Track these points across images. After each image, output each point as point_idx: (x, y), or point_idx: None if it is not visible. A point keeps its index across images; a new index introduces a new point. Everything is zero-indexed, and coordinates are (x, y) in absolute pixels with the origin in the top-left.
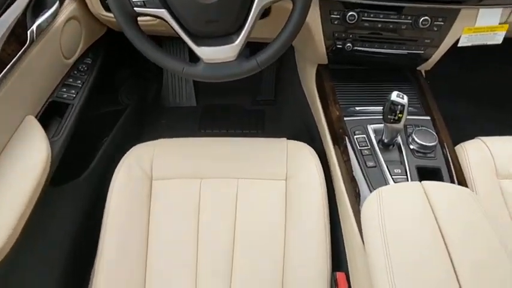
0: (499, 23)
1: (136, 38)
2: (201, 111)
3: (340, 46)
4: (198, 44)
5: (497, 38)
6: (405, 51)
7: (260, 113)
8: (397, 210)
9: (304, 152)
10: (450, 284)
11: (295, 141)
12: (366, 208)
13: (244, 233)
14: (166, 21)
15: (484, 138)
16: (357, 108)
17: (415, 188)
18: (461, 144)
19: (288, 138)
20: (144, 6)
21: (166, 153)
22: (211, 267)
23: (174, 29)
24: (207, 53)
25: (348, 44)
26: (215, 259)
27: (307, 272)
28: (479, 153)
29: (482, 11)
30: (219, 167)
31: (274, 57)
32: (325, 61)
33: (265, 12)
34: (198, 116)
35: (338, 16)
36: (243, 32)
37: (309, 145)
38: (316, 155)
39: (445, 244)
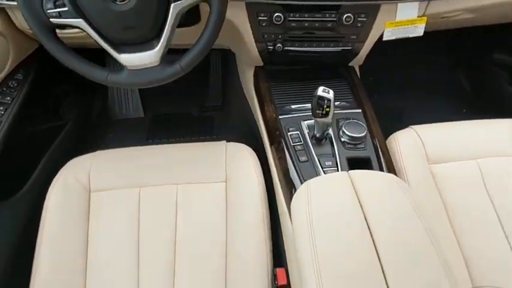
0: (418, 16)
1: (56, 50)
2: (149, 121)
3: (271, 47)
4: (119, 51)
5: (418, 31)
6: (334, 48)
7: (209, 120)
8: (324, 202)
9: (243, 153)
10: (375, 274)
11: (235, 143)
12: (295, 201)
13: (186, 237)
14: (85, 31)
15: (416, 127)
16: (293, 106)
17: (342, 177)
18: (394, 134)
19: (236, 141)
20: (60, 17)
21: (104, 164)
22: (153, 273)
23: (93, 38)
24: (129, 59)
25: (278, 45)
26: (157, 265)
27: (248, 270)
28: (410, 141)
29: (401, 5)
30: (158, 174)
31: (197, 60)
32: (261, 63)
33: (195, 19)
34: (146, 127)
35: (265, 18)
36: (163, 37)
37: (254, 146)
38: (255, 155)
39: (371, 233)
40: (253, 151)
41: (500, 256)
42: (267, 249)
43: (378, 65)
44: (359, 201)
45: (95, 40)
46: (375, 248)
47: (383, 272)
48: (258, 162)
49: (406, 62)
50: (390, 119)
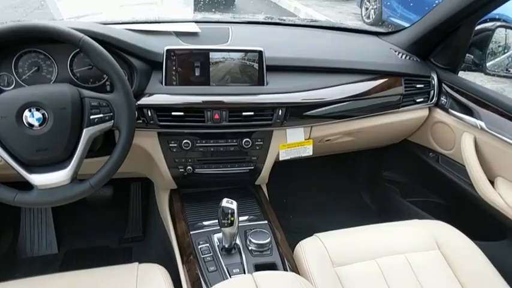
0: (305, 139)
1: None
2: (62, 258)
3: (182, 170)
4: (30, 172)
5: (308, 151)
6: (239, 169)
7: (127, 251)
8: None
9: (154, 273)
10: None
11: (147, 264)
12: None
13: None
14: None
15: (320, 234)
16: (204, 222)
17: (246, 279)
18: (300, 242)
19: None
20: None
21: None
22: None
23: (4, 160)
24: (40, 179)
25: (189, 167)
26: None
27: None
28: (315, 247)
29: (289, 131)
30: None
31: (106, 178)
32: (174, 186)
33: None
34: (58, 264)
35: (175, 145)
36: (74, 158)
37: (169, 266)
38: (167, 274)
39: None
40: (166, 270)
41: None
42: None
43: (290, 188)
44: None
45: (6, 161)
46: None
47: None
48: (170, 281)
49: (315, 185)
50: (299, 232)
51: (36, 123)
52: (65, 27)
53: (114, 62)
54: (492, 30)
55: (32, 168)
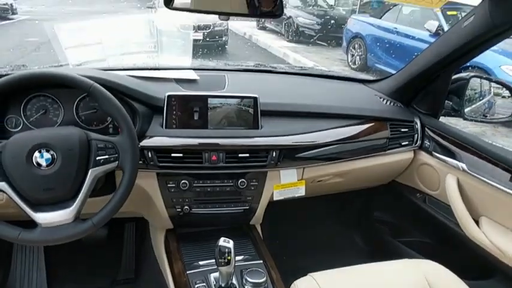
0: (298, 180)
1: None
2: None
3: (179, 210)
4: (36, 210)
5: (301, 192)
6: (234, 209)
7: None
8: None
9: None
10: None
11: None
12: None
13: None
14: (5, 192)
15: (314, 274)
16: (201, 262)
17: None
18: (294, 282)
19: None
20: None
21: None
22: None
23: (11, 198)
24: (44, 217)
25: (186, 207)
26: None
27: None
28: (310, 287)
29: (283, 172)
30: None
31: (108, 217)
32: (171, 225)
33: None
34: None
35: (173, 185)
36: (79, 197)
37: None
38: None
39: None
40: None
41: None
42: None
43: (284, 228)
44: None
45: (13, 200)
46: None
47: None
48: None
49: (308, 225)
50: (294, 272)
51: (44, 163)
52: (76, 74)
53: (121, 107)
54: (467, 80)
55: (37, 206)
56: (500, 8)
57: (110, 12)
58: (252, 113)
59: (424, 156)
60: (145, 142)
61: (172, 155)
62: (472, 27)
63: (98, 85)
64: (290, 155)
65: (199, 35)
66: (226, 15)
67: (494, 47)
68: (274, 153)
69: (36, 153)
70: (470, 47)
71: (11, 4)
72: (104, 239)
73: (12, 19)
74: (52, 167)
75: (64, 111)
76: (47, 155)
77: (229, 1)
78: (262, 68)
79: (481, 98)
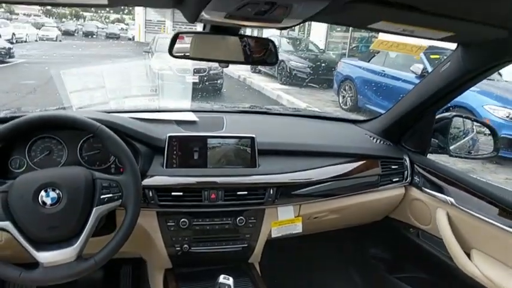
0: (295, 216)
1: None
2: None
3: (179, 248)
4: (38, 249)
5: (298, 228)
6: (233, 247)
7: None
8: None
9: None
10: None
11: None
12: None
13: None
14: (9, 232)
15: None
16: None
17: None
18: None
19: None
20: None
21: None
22: None
23: (16, 239)
24: (46, 257)
25: (185, 245)
26: None
27: None
28: None
29: (280, 209)
30: None
31: (111, 255)
32: (169, 265)
33: (113, 228)
34: None
35: (173, 223)
36: (82, 235)
37: None
38: None
39: None
40: None
41: None
42: None
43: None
44: None
45: (17, 240)
46: None
47: None
48: None
49: (305, 263)
50: None
51: (49, 202)
52: (83, 117)
53: (126, 148)
54: (450, 119)
55: (40, 245)
56: (471, 55)
57: (102, 55)
58: (249, 152)
59: (414, 192)
60: (147, 181)
61: (173, 193)
62: (448, 72)
63: (104, 127)
64: (287, 192)
65: (196, 78)
66: (223, 62)
67: (475, 88)
68: (271, 191)
69: (43, 192)
70: (448, 90)
71: (9, 48)
72: (100, 281)
73: (9, 62)
74: (57, 205)
75: (68, 152)
76: (53, 194)
77: (225, 50)
78: (258, 110)
79: (464, 136)
